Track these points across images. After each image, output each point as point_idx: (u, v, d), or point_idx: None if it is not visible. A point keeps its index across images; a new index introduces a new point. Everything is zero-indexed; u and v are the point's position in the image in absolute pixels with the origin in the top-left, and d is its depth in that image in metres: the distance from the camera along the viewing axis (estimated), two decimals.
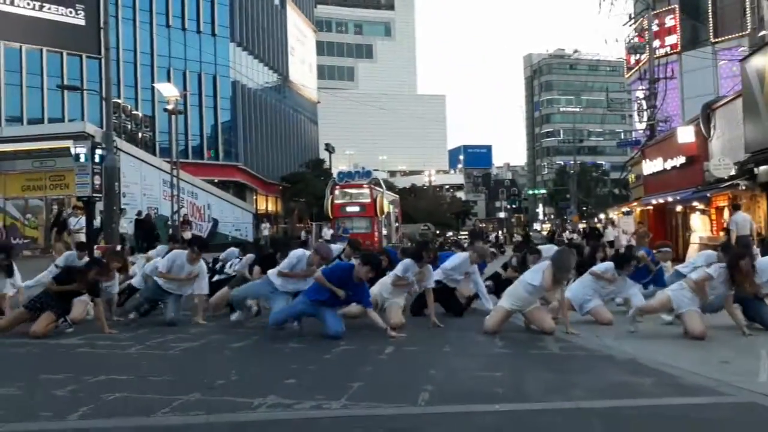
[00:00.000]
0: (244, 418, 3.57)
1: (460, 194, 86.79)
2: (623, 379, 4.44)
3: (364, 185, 27.14)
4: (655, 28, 29.22)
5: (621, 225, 22.58)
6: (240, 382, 4.46)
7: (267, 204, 46.90)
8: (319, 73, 70.10)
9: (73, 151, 14.39)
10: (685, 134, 18.32)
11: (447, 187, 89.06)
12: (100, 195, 14.26)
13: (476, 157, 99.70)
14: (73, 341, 6.13)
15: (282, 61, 53.24)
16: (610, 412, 3.70)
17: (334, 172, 37.31)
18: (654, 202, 19.97)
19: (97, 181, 14.01)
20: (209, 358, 5.44)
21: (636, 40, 31.26)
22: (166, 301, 7.30)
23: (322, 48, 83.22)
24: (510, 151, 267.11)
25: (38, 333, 6.20)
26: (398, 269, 6.96)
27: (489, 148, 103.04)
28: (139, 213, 18.61)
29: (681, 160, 18.58)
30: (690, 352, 5.34)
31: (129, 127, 26.71)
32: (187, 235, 18.39)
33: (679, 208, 19.06)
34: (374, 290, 6.98)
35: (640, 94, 28.10)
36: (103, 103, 17.21)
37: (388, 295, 6.98)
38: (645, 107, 26.39)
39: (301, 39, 58.85)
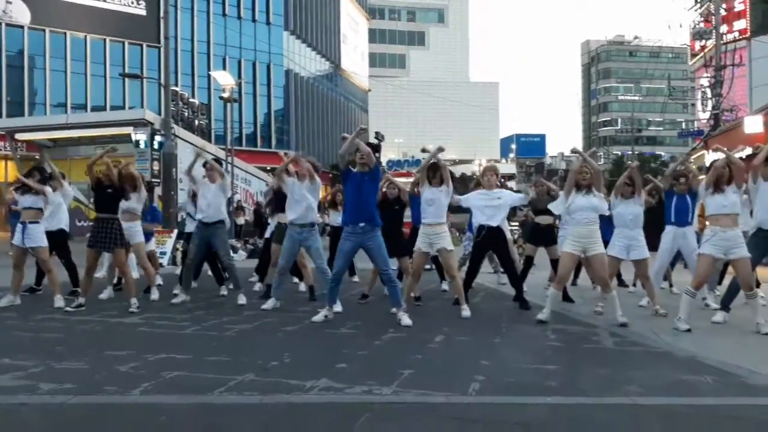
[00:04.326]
0: (297, 400, 3.64)
1: (512, 184, 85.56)
2: (682, 377, 4.30)
3: (414, 174, 27.15)
4: (722, 12, 27.87)
5: None
6: (293, 364, 4.54)
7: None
8: (370, 61, 70.23)
9: (133, 137, 14.95)
10: (753, 124, 17.53)
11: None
12: (159, 180, 14.73)
13: (529, 146, 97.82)
14: (134, 320, 6.40)
15: (334, 49, 53.59)
16: (668, 410, 3.59)
17: (384, 160, 37.43)
18: None
19: (156, 166, 14.49)
20: (263, 340, 5.57)
21: (702, 25, 29.92)
22: None
23: (374, 35, 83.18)
24: (565, 141, 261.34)
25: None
26: None
27: (543, 137, 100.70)
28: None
29: (748, 151, 17.75)
30: (756, 350, 5.14)
31: (186, 114, 27.41)
32: (241, 221, 18.78)
33: None
34: None
35: (704, 81, 26.99)
36: (162, 90, 17.72)
37: None
38: (709, 96, 25.34)
39: (353, 27, 59.02)
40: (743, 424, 3.46)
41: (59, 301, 7.12)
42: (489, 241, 7.30)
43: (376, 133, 50.09)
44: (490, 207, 7.23)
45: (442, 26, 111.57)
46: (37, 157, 22.83)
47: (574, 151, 6.96)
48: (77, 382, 3.94)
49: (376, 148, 6.52)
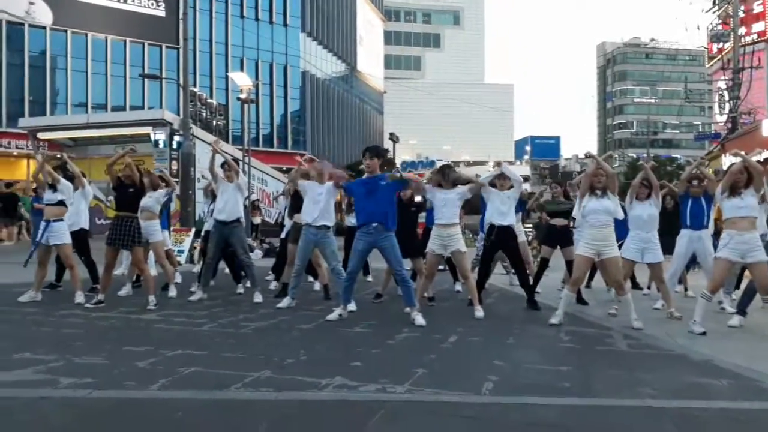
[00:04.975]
0: (312, 397, 3.69)
1: (526, 186, 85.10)
2: (696, 380, 4.29)
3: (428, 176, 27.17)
4: (741, 14, 27.54)
5: None
6: (308, 362, 4.59)
7: None
8: (386, 63, 70.30)
9: (152, 137, 15.12)
10: None
11: None
12: (177, 180, 14.89)
13: (544, 148, 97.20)
14: (153, 317, 6.50)
15: (350, 51, 53.76)
16: (681, 413, 3.58)
17: (398, 161, 37.46)
18: None
19: (174, 166, 14.64)
20: (279, 337, 5.63)
21: (720, 27, 29.58)
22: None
23: (389, 37, 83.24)
24: (579, 143, 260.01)
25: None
26: None
27: (557, 139, 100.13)
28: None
29: (766, 154, 17.57)
30: None
31: (204, 114, 27.66)
32: (257, 220, 18.90)
33: None
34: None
35: (722, 84, 26.69)
36: (181, 91, 17.91)
37: None
38: (727, 98, 25.07)
39: (369, 29, 59.16)
40: (758, 428, 3.45)
41: (80, 297, 7.25)
42: (499, 240, 7.34)
43: (391, 134, 50.31)
44: (502, 208, 7.31)
45: (458, 28, 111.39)
46: (58, 156, 23.17)
47: (588, 155, 6.96)
48: (96, 377, 4.02)
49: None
